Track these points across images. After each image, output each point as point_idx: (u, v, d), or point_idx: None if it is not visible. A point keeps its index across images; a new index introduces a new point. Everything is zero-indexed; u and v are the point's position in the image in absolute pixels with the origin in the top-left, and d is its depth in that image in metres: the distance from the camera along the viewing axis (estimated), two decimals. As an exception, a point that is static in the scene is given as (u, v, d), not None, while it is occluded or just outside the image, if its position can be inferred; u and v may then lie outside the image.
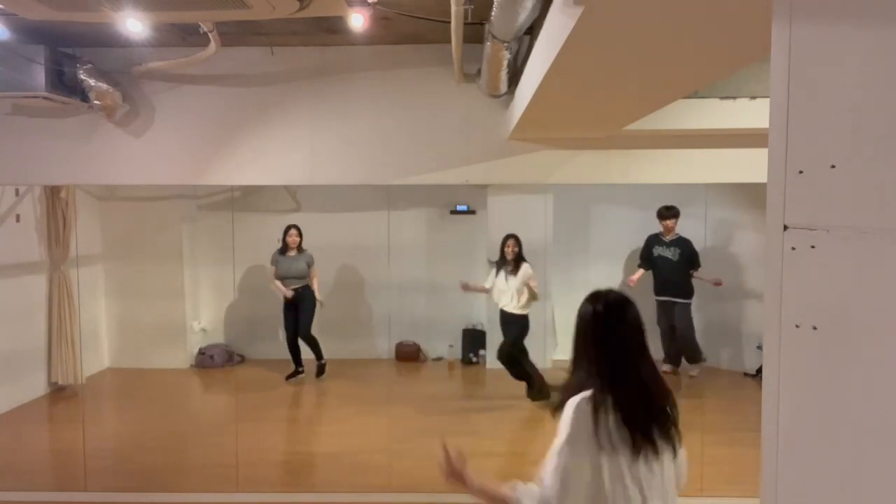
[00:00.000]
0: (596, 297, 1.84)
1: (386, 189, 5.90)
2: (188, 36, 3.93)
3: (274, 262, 6.22)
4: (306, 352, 6.25)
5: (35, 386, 5.92)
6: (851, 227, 0.89)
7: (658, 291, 6.33)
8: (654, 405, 1.74)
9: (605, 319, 1.79)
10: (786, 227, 1.00)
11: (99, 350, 6.74)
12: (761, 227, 1.12)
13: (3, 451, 4.78)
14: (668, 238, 6.33)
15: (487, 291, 5.74)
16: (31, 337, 5.91)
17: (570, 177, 4.37)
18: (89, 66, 4.03)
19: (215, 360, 6.74)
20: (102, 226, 6.81)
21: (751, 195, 6.06)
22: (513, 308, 5.54)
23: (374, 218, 6.49)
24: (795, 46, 0.99)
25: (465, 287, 5.69)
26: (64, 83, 3.99)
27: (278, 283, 6.14)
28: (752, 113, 3.65)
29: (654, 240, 6.39)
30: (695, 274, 6.23)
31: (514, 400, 5.65)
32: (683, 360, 6.33)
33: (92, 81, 4.01)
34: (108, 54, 4.20)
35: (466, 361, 6.84)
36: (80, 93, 4.06)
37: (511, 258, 5.58)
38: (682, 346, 6.29)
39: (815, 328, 0.95)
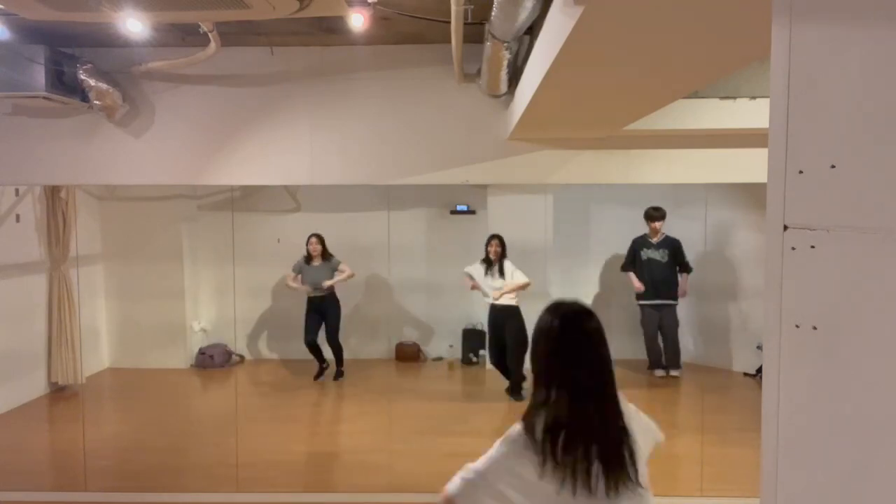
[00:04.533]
0: (555, 308, 1.59)
1: (386, 189, 5.91)
2: (188, 36, 3.93)
3: (297, 269, 6.24)
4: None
5: (35, 386, 5.91)
6: (851, 227, 0.89)
7: (647, 295, 6.26)
8: (603, 435, 1.50)
9: (563, 332, 1.54)
10: (786, 227, 1.00)
11: (99, 350, 6.74)
12: (761, 227, 1.12)
13: (3, 451, 4.78)
14: (655, 240, 6.29)
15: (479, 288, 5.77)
16: (31, 337, 5.91)
17: (570, 177, 4.37)
18: (89, 66, 4.03)
19: (215, 360, 6.74)
20: (102, 226, 6.81)
21: (751, 195, 6.06)
22: (507, 300, 5.57)
23: (374, 218, 6.49)
24: (795, 46, 0.99)
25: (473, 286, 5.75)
26: (64, 83, 3.99)
27: (295, 283, 6.20)
28: (752, 113, 3.65)
29: (640, 242, 6.35)
30: (684, 277, 6.27)
31: (514, 400, 5.65)
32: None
33: (92, 81, 4.01)
34: (108, 54, 4.20)
35: (466, 361, 6.84)
36: (80, 93, 4.06)
37: (495, 259, 5.66)
38: (671, 349, 6.29)
39: (815, 328, 0.95)
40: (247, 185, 5.32)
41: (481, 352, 6.76)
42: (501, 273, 5.62)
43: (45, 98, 3.92)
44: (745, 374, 6.31)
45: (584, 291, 6.54)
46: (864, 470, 0.88)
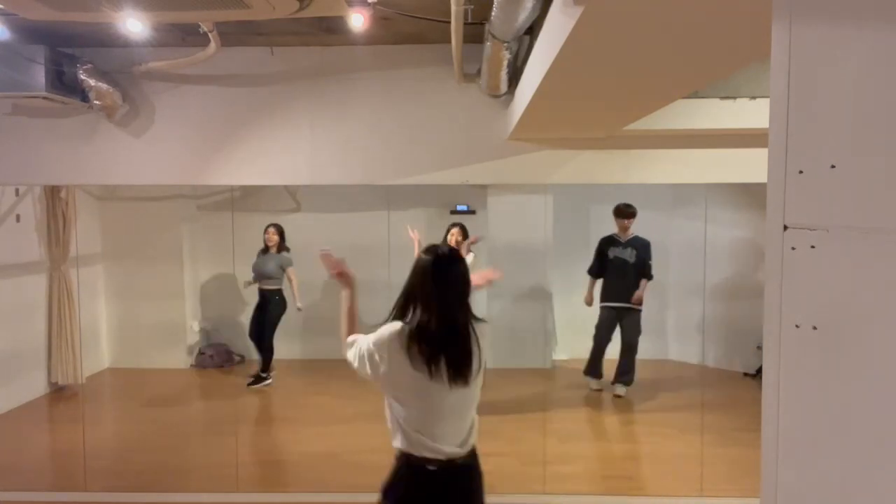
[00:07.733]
0: (430, 250, 2.23)
1: (386, 189, 5.90)
2: (188, 36, 3.93)
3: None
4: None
5: (35, 386, 5.91)
6: (851, 227, 0.89)
7: (609, 297, 5.80)
8: (457, 345, 2.13)
9: (435, 269, 2.16)
10: (786, 227, 1.00)
11: (99, 350, 6.73)
12: (761, 227, 1.12)
13: (3, 451, 4.78)
14: (624, 238, 5.87)
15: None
16: (31, 337, 5.91)
17: (570, 177, 4.37)
18: (89, 66, 4.03)
19: (215, 360, 6.74)
20: (102, 226, 6.81)
21: (751, 195, 6.06)
22: None
23: (374, 218, 6.48)
24: (795, 46, 0.99)
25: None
26: (64, 83, 3.99)
27: (248, 282, 6.19)
28: (752, 113, 3.65)
29: (608, 241, 5.91)
30: (643, 283, 5.72)
31: (514, 400, 5.65)
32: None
33: (92, 81, 4.01)
34: (108, 54, 4.20)
35: (466, 361, 6.83)
36: (80, 93, 4.06)
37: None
38: (627, 361, 5.77)
39: (815, 328, 0.95)
40: (247, 185, 5.31)
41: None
42: None
43: (45, 98, 3.91)
44: (745, 374, 6.31)
45: (585, 291, 6.52)
46: (864, 470, 0.88)
